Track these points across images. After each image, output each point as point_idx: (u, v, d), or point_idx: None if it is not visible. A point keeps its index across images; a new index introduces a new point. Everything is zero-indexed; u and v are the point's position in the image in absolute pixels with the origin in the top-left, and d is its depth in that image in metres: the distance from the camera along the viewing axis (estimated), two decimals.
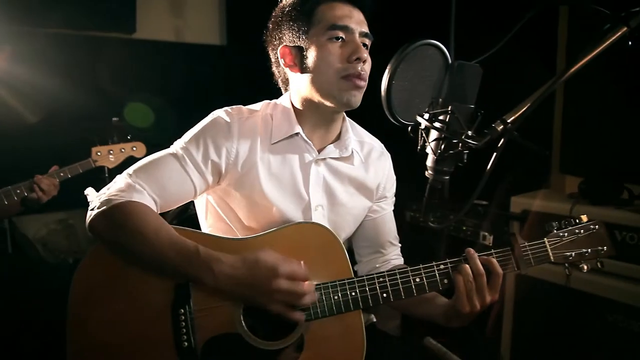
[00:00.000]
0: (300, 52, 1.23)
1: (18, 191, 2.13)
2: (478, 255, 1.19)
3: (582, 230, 1.26)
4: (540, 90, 0.97)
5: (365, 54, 1.20)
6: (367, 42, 1.24)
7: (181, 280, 1.13)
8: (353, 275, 1.22)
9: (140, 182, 1.18)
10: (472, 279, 1.14)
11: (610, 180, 2.13)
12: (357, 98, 1.22)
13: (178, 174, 1.22)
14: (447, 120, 0.88)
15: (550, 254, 1.25)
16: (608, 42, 0.94)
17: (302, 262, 1.13)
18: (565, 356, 2.14)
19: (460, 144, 0.87)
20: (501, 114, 0.98)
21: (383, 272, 1.20)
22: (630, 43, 0.95)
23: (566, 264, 1.26)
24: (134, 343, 1.13)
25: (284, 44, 1.26)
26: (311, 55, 1.21)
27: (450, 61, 0.92)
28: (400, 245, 1.52)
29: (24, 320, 2.12)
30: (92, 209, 1.16)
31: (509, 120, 0.95)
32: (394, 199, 1.51)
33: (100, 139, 2.47)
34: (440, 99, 0.89)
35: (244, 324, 1.16)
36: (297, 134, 1.29)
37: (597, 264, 1.28)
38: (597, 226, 1.27)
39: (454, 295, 1.17)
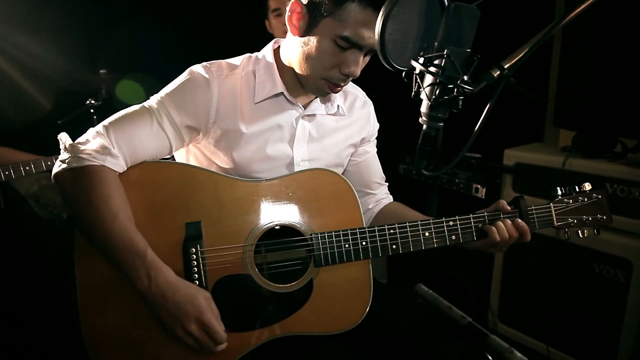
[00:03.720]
0: (308, 19, 1.13)
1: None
2: (487, 215, 1.26)
3: (585, 198, 1.31)
4: (538, 36, 0.94)
5: (359, 71, 1.17)
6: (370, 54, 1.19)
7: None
8: (364, 225, 1.24)
9: (115, 142, 1.13)
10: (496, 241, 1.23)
11: (603, 133, 2.13)
12: (329, 94, 1.24)
13: (154, 130, 1.18)
14: (442, 64, 0.85)
15: (555, 219, 1.29)
16: None
17: (223, 330, 1.11)
18: (553, 306, 2.20)
19: (455, 90, 0.85)
20: (498, 60, 0.96)
21: (394, 223, 1.22)
22: None
23: (566, 229, 1.30)
24: None
25: None
26: (312, 37, 1.14)
27: (446, 3, 0.88)
28: (387, 183, 1.56)
29: (22, 274, 2.14)
30: (63, 161, 1.12)
31: (505, 66, 0.93)
32: (376, 141, 1.53)
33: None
34: (436, 43, 0.86)
35: (255, 266, 1.18)
36: (281, 93, 1.25)
37: (594, 231, 1.32)
38: (600, 195, 1.31)
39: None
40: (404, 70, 0.93)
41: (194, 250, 1.15)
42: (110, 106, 2.52)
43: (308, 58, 1.17)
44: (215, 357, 1.14)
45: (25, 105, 2.73)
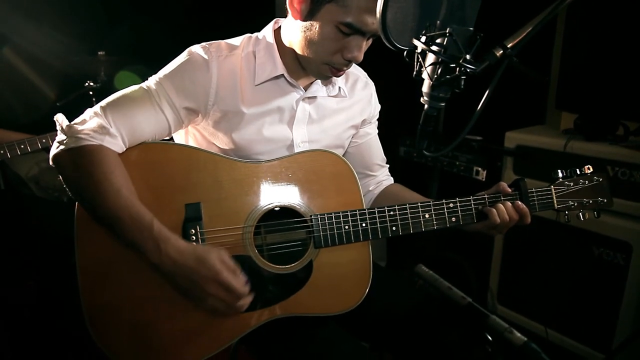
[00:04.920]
0: (309, 3, 1.11)
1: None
2: (487, 197, 1.25)
3: (586, 181, 1.30)
4: (542, 15, 0.93)
5: (362, 56, 1.15)
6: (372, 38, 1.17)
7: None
8: (364, 207, 1.23)
9: (113, 122, 1.12)
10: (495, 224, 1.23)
11: (605, 116, 2.12)
12: (330, 78, 1.23)
13: (152, 111, 1.16)
14: (444, 43, 0.84)
15: (555, 202, 1.29)
16: None
17: (244, 280, 1.11)
18: (552, 288, 2.22)
19: (457, 69, 0.84)
20: (501, 39, 0.95)
21: (394, 205, 1.22)
22: None
23: (567, 212, 1.29)
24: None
25: None
26: (315, 22, 1.12)
27: None
28: (388, 165, 1.56)
29: (22, 254, 2.15)
30: (61, 142, 1.11)
31: (509, 46, 0.92)
32: (377, 122, 1.52)
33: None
34: (438, 21, 0.85)
35: (254, 247, 1.18)
36: (281, 75, 1.24)
37: (594, 213, 1.32)
38: (601, 178, 1.30)
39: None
40: (405, 50, 0.91)
41: (193, 231, 1.14)
42: (109, 89, 2.51)
43: (310, 43, 1.15)
44: (215, 337, 1.15)
45: (24, 89, 2.72)
